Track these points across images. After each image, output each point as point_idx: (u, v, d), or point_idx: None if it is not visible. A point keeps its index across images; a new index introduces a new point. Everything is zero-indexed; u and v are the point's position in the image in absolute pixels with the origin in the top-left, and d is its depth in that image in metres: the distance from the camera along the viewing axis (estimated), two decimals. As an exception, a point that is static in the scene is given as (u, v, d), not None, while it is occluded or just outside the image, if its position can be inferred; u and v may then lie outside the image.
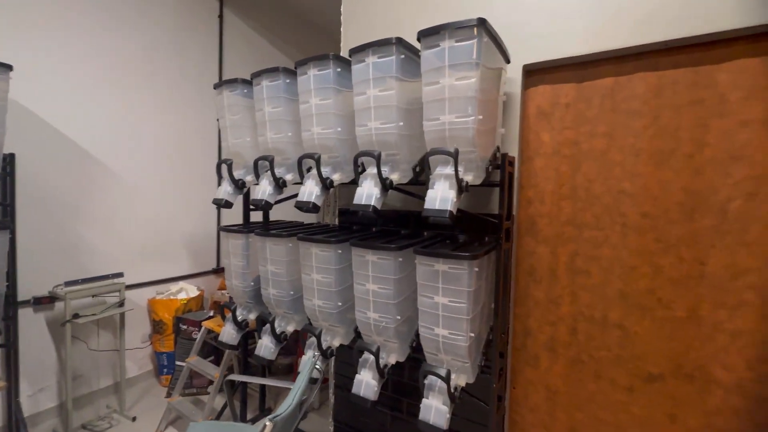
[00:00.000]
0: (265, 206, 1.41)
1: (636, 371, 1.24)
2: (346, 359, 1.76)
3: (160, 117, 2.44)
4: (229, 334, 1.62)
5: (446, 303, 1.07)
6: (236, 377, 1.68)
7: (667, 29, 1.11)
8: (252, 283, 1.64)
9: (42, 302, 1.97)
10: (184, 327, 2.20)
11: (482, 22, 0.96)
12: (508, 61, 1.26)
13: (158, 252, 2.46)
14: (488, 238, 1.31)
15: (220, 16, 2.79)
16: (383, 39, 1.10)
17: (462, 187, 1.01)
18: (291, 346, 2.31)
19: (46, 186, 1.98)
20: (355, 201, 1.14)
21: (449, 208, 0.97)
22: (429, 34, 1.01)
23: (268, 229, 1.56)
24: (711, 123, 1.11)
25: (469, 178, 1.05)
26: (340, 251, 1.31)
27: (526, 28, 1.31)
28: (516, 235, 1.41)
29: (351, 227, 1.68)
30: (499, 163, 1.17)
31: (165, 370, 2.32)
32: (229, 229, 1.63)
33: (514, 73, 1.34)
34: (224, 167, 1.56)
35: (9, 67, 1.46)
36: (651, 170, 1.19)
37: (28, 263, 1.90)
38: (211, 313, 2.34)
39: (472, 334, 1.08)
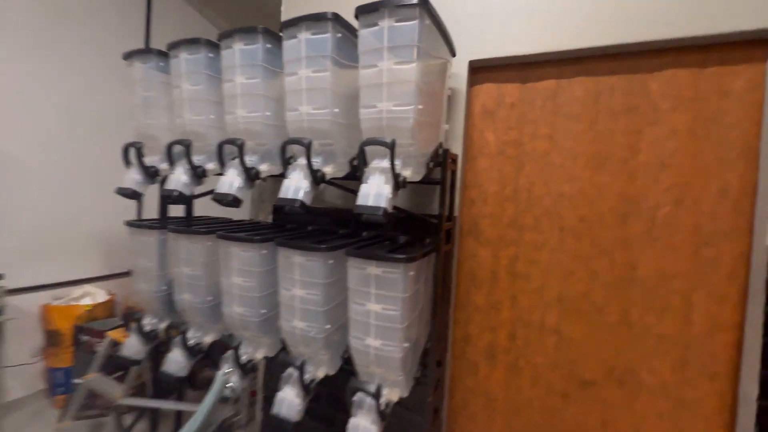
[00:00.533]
0: (179, 199, 1.21)
1: (570, 377, 1.23)
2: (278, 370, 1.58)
3: (67, 90, 2.09)
4: (132, 346, 1.39)
5: (379, 311, 0.96)
6: (127, 401, 1.43)
7: (603, 35, 1.11)
8: (164, 288, 1.41)
9: None
10: (85, 338, 1.88)
11: (425, 3, 0.88)
12: (453, 54, 1.20)
13: (59, 250, 2.09)
14: (429, 241, 1.24)
15: (149, -14, 2.48)
16: (318, 13, 0.98)
17: (399, 183, 0.92)
18: (210, 356, 2.07)
19: None
20: (281, 194, 1.00)
21: (383, 204, 0.87)
22: (367, 11, 0.91)
23: (186, 225, 1.36)
24: (644, 130, 1.13)
25: (407, 173, 0.96)
26: (264, 252, 1.15)
27: (473, 23, 1.26)
28: (458, 236, 1.35)
29: (285, 226, 1.53)
30: (441, 160, 1.10)
31: (61, 389, 1.97)
32: (137, 224, 1.40)
33: (460, 69, 1.28)
34: (132, 151, 1.33)
35: None
36: (589, 174, 1.19)
37: None
38: (123, 322, 2.03)
39: (407, 345, 0.98)
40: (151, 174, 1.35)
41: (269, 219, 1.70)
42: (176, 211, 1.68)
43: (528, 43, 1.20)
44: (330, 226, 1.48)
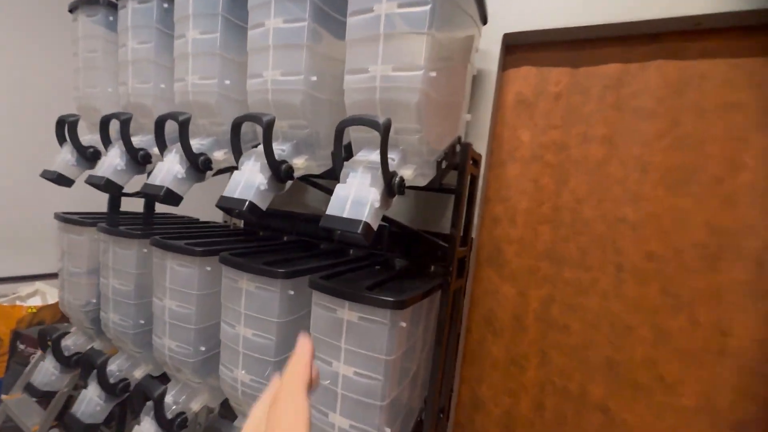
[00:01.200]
0: (107, 187, 0.92)
1: (620, 475, 0.88)
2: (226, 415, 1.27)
3: (8, 53, 1.83)
4: (46, 373, 1.09)
5: (351, 376, 0.64)
6: None
7: (693, 1, 0.79)
8: (94, 300, 1.12)
9: None
10: (22, 347, 1.60)
11: None
12: (484, 20, 0.89)
13: (8, 240, 1.83)
14: (435, 268, 0.91)
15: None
16: (296, -63, 0.68)
17: (393, 186, 0.60)
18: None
19: None
20: (226, 192, 0.70)
21: (364, 218, 0.55)
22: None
23: (119, 223, 1.07)
24: (750, 137, 0.79)
25: (407, 173, 0.64)
26: (209, 268, 0.85)
27: (512, -15, 0.95)
28: (474, 265, 1.02)
29: (257, 232, 1.23)
30: (459, 160, 0.78)
31: (-7, 403, 1.69)
32: (67, 219, 1.11)
33: (490, 44, 0.97)
34: (69, 125, 1.05)
35: None
36: (663, 194, 0.85)
37: None
38: (73, 329, 1.74)
39: (389, 429, 0.65)
40: (89, 156, 1.07)
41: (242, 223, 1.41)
42: (136, 206, 1.39)
43: (584, 12, 0.88)
44: (312, 238, 1.17)
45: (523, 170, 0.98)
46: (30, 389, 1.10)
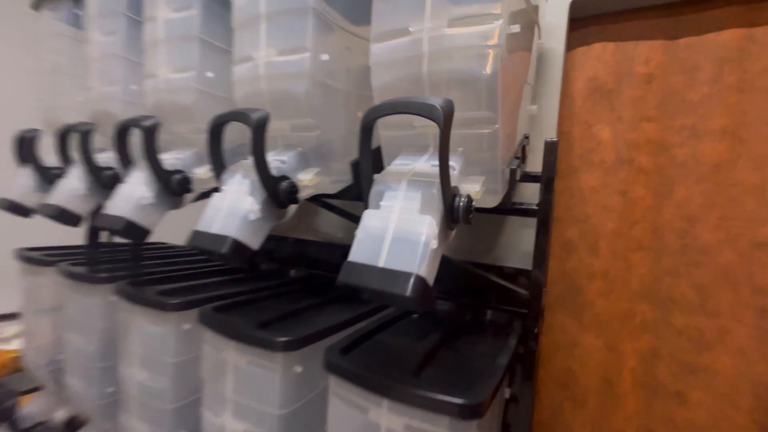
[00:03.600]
0: (62, 218, 0.71)
1: None
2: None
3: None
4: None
5: None
6: None
7: None
8: (60, 357, 0.90)
9: None
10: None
11: None
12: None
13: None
14: (491, 315, 0.67)
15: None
16: None
17: (456, 210, 0.36)
18: None
19: None
20: (198, 226, 0.47)
21: (415, 270, 0.32)
22: None
23: (94, 260, 0.86)
24: None
25: (474, 187, 0.41)
26: (187, 327, 0.62)
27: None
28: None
29: (258, 265, 1.00)
30: (543, 165, 0.54)
31: (-31, 462, 1.49)
32: (27, 257, 0.91)
33: (552, 17, 0.74)
34: (27, 142, 0.86)
35: None
36: (827, 207, 0.59)
37: None
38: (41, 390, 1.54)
39: None
40: (53, 179, 0.87)
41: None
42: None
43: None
44: (326, 271, 0.94)
45: (606, 178, 0.73)
46: None
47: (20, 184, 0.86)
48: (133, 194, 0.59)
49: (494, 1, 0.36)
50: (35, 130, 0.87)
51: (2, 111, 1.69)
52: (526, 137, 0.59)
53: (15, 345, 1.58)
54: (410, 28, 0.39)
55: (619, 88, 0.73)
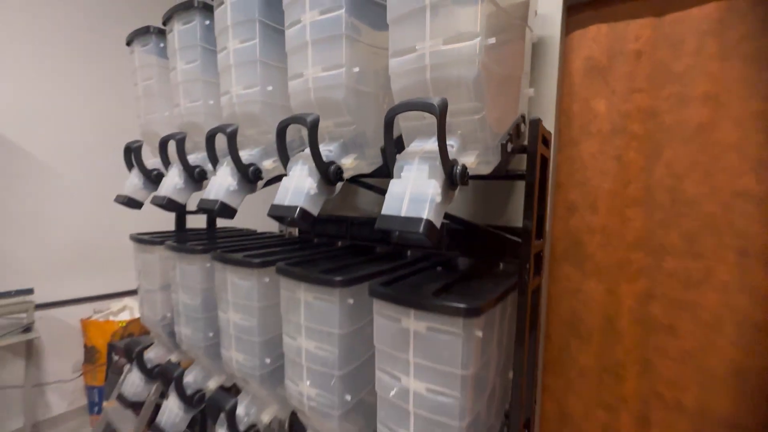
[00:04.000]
0: (169, 206, 0.95)
1: None
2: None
3: (101, 101, 2.04)
4: (132, 384, 1.17)
5: (423, 392, 0.57)
6: None
7: None
8: (169, 314, 1.18)
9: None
10: (116, 358, 1.76)
11: None
12: (541, -20, 0.77)
13: (98, 262, 2.04)
14: (504, 266, 0.81)
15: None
16: None
17: (455, 176, 0.52)
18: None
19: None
20: (276, 201, 0.67)
21: (425, 215, 0.48)
22: None
23: (185, 240, 1.11)
24: None
25: (469, 160, 0.56)
26: (267, 280, 0.83)
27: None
28: (548, 262, 0.90)
29: (311, 240, 1.21)
30: (526, 141, 0.68)
31: (96, 408, 1.89)
32: (140, 239, 1.18)
33: (549, 6, 0.85)
34: (132, 153, 1.12)
35: None
36: (800, 157, 0.67)
37: None
38: (155, 342, 1.89)
39: (471, 449, 0.57)
40: (154, 179, 1.13)
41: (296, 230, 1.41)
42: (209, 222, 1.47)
43: (670, -51, 0.73)
44: (367, 242, 1.12)
45: (602, 146, 0.84)
46: (121, 399, 1.18)
47: (130, 183, 1.13)
48: (223, 183, 0.80)
49: (473, 23, 0.50)
50: (138, 141, 1.12)
51: (110, 128, 2.05)
52: (522, 116, 0.73)
53: (122, 317, 1.95)
54: (416, 47, 0.55)
55: (613, 65, 0.83)
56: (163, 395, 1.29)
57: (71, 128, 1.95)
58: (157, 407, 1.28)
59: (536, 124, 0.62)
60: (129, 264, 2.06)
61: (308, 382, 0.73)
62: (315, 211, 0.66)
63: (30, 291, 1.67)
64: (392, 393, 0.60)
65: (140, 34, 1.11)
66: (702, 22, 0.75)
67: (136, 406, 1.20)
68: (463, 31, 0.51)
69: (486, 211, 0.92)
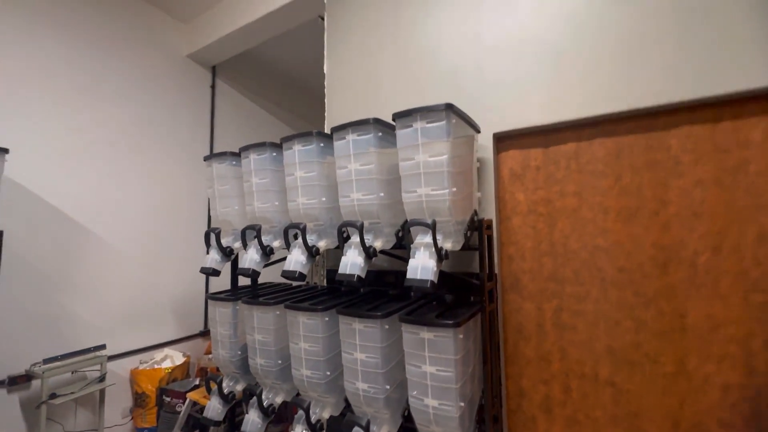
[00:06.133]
0: (253, 275, 1.42)
1: (634, 431, 1.21)
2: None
3: (149, 185, 2.51)
4: (214, 409, 1.55)
5: (434, 372, 1.06)
6: None
7: (617, 101, 1.23)
8: (239, 352, 1.60)
9: (17, 381, 1.88)
10: (168, 399, 2.09)
11: (449, 106, 1.06)
12: (478, 131, 1.37)
13: (143, 318, 2.40)
14: (474, 299, 1.33)
15: (213, 86, 2.97)
16: (362, 120, 1.20)
17: (441, 255, 1.05)
18: (281, 412, 2.19)
19: (31, 257, 1.97)
20: (341, 270, 1.17)
21: (430, 277, 1.00)
22: (402, 116, 1.11)
23: (256, 295, 1.56)
24: (670, 182, 1.20)
25: (448, 245, 1.09)
26: (327, 318, 1.31)
27: (491, 100, 1.43)
28: (501, 291, 1.43)
29: (339, 288, 1.69)
30: (477, 226, 1.23)
31: (146, 448, 2.17)
32: (217, 297, 1.62)
33: (485, 141, 1.44)
34: (212, 236, 1.59)
35: (5, 151, 1.52)
36: (620, 227, 1.25)
37: (4, 340, 1.83)
38: (197, 381, 2.24)
39: (462, 404, 1.06)
40: (228, 253, 1.59)
41: (323, 282, 1.88)
42: (241, 280, 1.91)
43: (545, 114, 1.34)
44: (379, 287, 1.62)
45: (524, 220, 1.41)
46: (196, 420, 1.55)
47: (211, 258, 1.58)
48: (300, 260, 1.29)
49: (444, 150, 1.04)
50: (218, 228, 1.59)
51: (153, 212, 2.49)
52: (475, 211, 1.28)
53: (165, 365, 2.29)
54: (414, 158, 1.08)
55: (524, 174, 1.42)
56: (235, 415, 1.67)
57: (124, 212, 2.37)
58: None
59: (480, 221, 1.18)
60: (166, 319, 2.45)
61: (362, 380, 1.19)
62: (363, 275, 1.17)
63: (103, 347, 2.01)
64: (420, 379, 1.08)
65: (219, 155, 1.62)
66: (567, 152, 1.35)
67: (217, 425, 1.57)
68: (440, 185, 1.06)
69: (460, 266, 1.45)
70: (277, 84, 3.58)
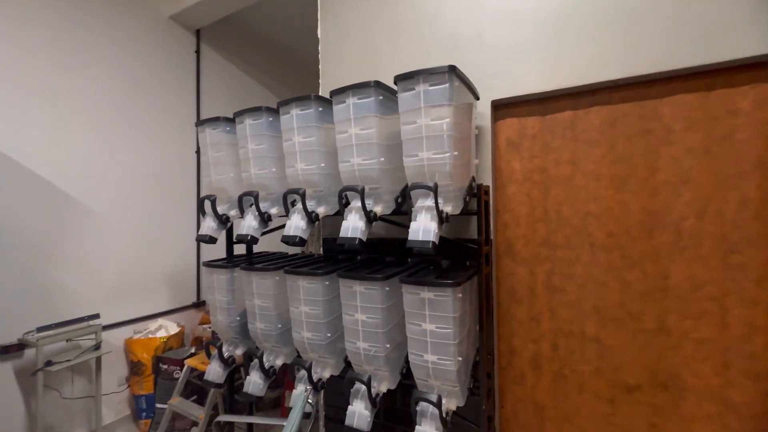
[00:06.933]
0: (251, 241, 1.42)
1: (616, 382, 1.31)
2: (335, 389, 1.74)
3: (136, 152, 2.42)
4: (215, 372, 1.59)
5: (434, 329, 1.11)
6: (225, 417, 1.63)
7: (613, 69, 1.24)
8: (238, 318, 1.62)
9: (9, 351, 1.86)
10: (165, 366, 2.11)
11: (453, 69, 1.05)
12: (477, 98, 1.37)
13: (135, 289, 2.38)
14: (470, 263, 1.38)
15: (197, 51, 2.84)
16: (362, 82, 1.18)
17: (442, 218, 1.07)
18: (278, 378, 2.26)
19: (17, 228, 1.91)
20: (342, 234, 1.18)
21: (431, 239, 1.03)
22: (405, 78, 1.10)
23: (254, 262, 1.57)
24: (661, 150, 1.24)
25: (448, 209, 1.11)
26: (327, 282, 1.33)
27: (490, 68, 1.43)
28: (495, 257, 1.48)
29: (336, 256, 1.71)
30: (476, 192, 1.25)
31: (144, 414, 2.21)
32: (213, 265, 1.62)
33: (483, 108, 1.44)
34: (207, 203, 1.57)
35: (-17, 112, 1.45)
36: (612, 193, 1.30)
37: (-5, 310, 1.81)
38: (193, 350, 2.26)
39: (460, 358, 1.12)
40: (224, 221, 1.58)
41: (320, 250, 1.90)
42: (236, 249, 1.91)
43: (543, 81, 1.35)
44: (376, 255, 1.65)
45: (519, 188, 1.44)
46: (206, 384, 1.59)
47: (207, 225, 1.57)
48: (299, 225, 1.30)
49: (447, 114, 1.05)
50: (213, 196, 1.57)
51: (145, 183, 2.43)
52: (473, 178, 1.30)
53: (160, 334, 2.31)
54: (416, 121, 1.09)
55: (521, 142, 1.44)
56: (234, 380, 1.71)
57: (112, 180, 2.30)
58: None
59: (479, 186, 1.20)
60: (158, 290, 2.44)
61: (363, 340, 1.24)
62: (365, 239, 1.18)
63: (97, 316, 2.00)
64: (420, 336, 1.13)
65: (212, 121, 1.58)
66: (564, 120, 1.37)
67: (220, 387, 1.60)
68: (441, 149, 1.07)
69: (458, 231, 1.49)
70: (263, 51, 3.45)
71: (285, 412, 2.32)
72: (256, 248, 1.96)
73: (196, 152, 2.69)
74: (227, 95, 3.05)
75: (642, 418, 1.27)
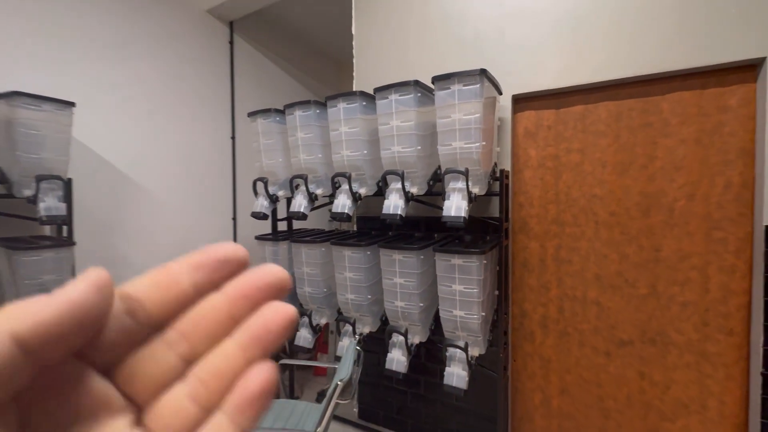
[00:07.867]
0: (302, 217, 1.66)
1: (611, 338, 1.55)
2: (367, 348, 2.01)
3: (181, 139, 2.66)
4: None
5: (462, 290, 1.35)
6: (288, 361, 1.90)
7: (622, 68, 1.43)
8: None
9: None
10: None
11: (483, 71, 1.25)
12: (500, 93, 1.56)
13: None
14: (489, 237, 1.61)
15: (231, 42, 3.02)
16: (403, 81, 1.39)
17: (471, 198, 1.30)
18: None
19: (91, 207, 2.18)
20: (384, 211, 1.41)
21: (462, 215, 1.26)
22: (442, 79, 1.30)
23: (301, 236, 1.82)
24: (658, 141, 1.44)
25: (476, 190, 1.34)
26: (369, 252, 1.58)
27: (511, 65, 1.61)
28: (511, 233, 1.71)
29: (370, 232, 1.95)
30: (498, 176, 1.47)
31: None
32: (265, 238, 1.87)
33: (505, 101, 1.64)
34: (260, 184, 1.81)
35: (72, 104, 1.68)
36: (615, 178, 1.51)
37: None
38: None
39: (483, 314, 1.36)
40: (274, 200, 1.82)
41: (353, 228, 2.14)
42: (262, 227, 2.16)
43: (559, 79, 1.53)
44: (405, 231, 1.88)
45: (534, 173, 1.66)
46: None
47: (260, 204, 1.81)
48: (346, 203, 1.53)
49: (477, 110, 1.27)
50: (266, 178, 1.81)
51: (191, 165, 2.67)
52: (495, 163, 1.51)
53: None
54: (451, 116, 1.31)
55: (537, 132, 1.64)
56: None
57: (161, 163, 2.55)
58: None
59: (501, 171, 1.42)
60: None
61: (400, 300, 1.49)
62: (404, 214, 1.41)
63: None
64: (451, 296, 1.37)
65: (264, 112, 1.79)
66: (576, 113, 1.57)
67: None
68: (471, 139, 1.28)
69: (481, 210, 1.71)
70: (294, 43, 3.61)
71: (317, 371, 2.63)
72: (294, 226, 2.20)
73: (231, 138, 2.92)
74: (258, 85, 3.24)
75: (632, 368, 1.52)
